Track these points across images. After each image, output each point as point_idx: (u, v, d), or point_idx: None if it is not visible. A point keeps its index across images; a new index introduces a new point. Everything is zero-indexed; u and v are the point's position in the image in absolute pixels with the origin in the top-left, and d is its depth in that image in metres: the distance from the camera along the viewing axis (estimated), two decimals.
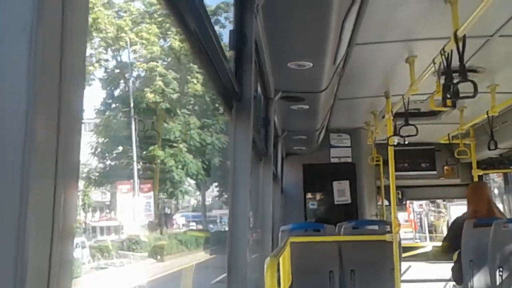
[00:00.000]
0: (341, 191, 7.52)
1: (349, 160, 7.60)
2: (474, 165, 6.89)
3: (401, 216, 26.99)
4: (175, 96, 27.93)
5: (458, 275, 5.44)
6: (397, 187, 5.75)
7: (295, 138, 6.52)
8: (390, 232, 5.12)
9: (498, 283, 4.92)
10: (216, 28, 2.23)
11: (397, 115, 5.25)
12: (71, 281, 0.80)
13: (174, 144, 27.48)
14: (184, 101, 28.66)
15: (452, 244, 5.55)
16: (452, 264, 5.74)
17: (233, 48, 2.63)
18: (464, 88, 3.22)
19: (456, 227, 5.57)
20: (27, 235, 0.68)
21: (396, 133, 5.15)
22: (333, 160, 7.63)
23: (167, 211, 32.45)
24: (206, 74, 2.22)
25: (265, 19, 2.87)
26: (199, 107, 28.99)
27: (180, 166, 27.13)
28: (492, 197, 5.78)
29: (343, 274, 5.28)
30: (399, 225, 5.29)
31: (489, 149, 5.47)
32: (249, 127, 2.71)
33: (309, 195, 7.84)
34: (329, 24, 2.89)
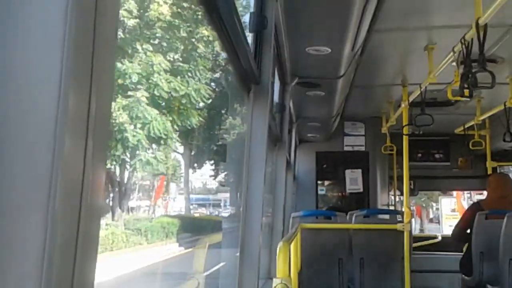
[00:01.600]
0: (353, 179, 7.51)
1: (363, 148, 7.58)
2: (489, 156, 6.84)
3: (446, 203, 22.63)
4: (131, 22, 22.09)
5: (467, 267, 5.42)
6: (410, 177, 5.73)
7: (309, 125, 6.51)
8: (402, 221, 5.11)
9: (508, 275, 4.89)
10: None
11: (412, 105, 5.21)
12: (96, 256, 0.80)
13: (130, 93, 21.75)
14: (147, 32, 22.89)
15: (463, 232, 5.54)
16: (461, 256, 5.73)
17: (253, 30, 2.62)
18: (483, 78, 3.19)
19: (469, 215, 5.56)
20: (57, 209, 0.68)
21: (411, 122, 5.12)
22: (346, 149, 7.62)
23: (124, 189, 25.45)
24: (227, 56, 2.22)
25: (286, 2, 2.86)
26: (169, 42, 23.07)
27: (138, 125, 21.14)
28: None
29: (352, 262, 5.27)
30: (411, 214, 5.26)
31: (504, 140, 5.43)
32: (266, 111, 2.71)
33: (320, 183, 7.84)
34: (350, 10, 2.87)
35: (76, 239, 0.73)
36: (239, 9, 2.26)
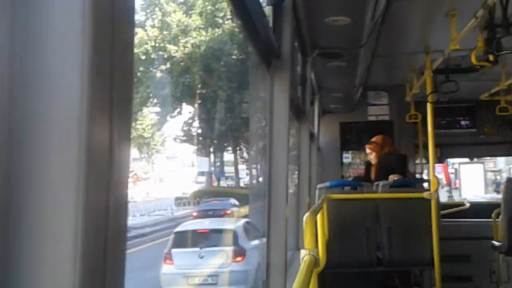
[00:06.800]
0: None
1: (387, 118, 7.53)
2: None
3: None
4: None
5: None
6: (436, 145, 5.68)
7: (332, 96, 6.49)
8: (429, 190, 5.09)
9: None
10: None
11: (436, 72, 5.15)
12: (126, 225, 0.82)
13: None
14: None
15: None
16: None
17: (271, 3, 2.61)
18: (508, 43, 3.15)
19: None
20: (86, 195, 0.71)
21: (436, 89, 5.06)
22: (370, 118, 7.58)
23: None
24: (245, 30, 2.22)
25: None
26: None
27: None
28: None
29: (380, 232, 5.28)
30: (438, 183, 5.23)
31: None
32: (287, 84, 2.71)
33: (345, 154, 7.83)
34: None
35: (106, 226, 0.75)
36: None
